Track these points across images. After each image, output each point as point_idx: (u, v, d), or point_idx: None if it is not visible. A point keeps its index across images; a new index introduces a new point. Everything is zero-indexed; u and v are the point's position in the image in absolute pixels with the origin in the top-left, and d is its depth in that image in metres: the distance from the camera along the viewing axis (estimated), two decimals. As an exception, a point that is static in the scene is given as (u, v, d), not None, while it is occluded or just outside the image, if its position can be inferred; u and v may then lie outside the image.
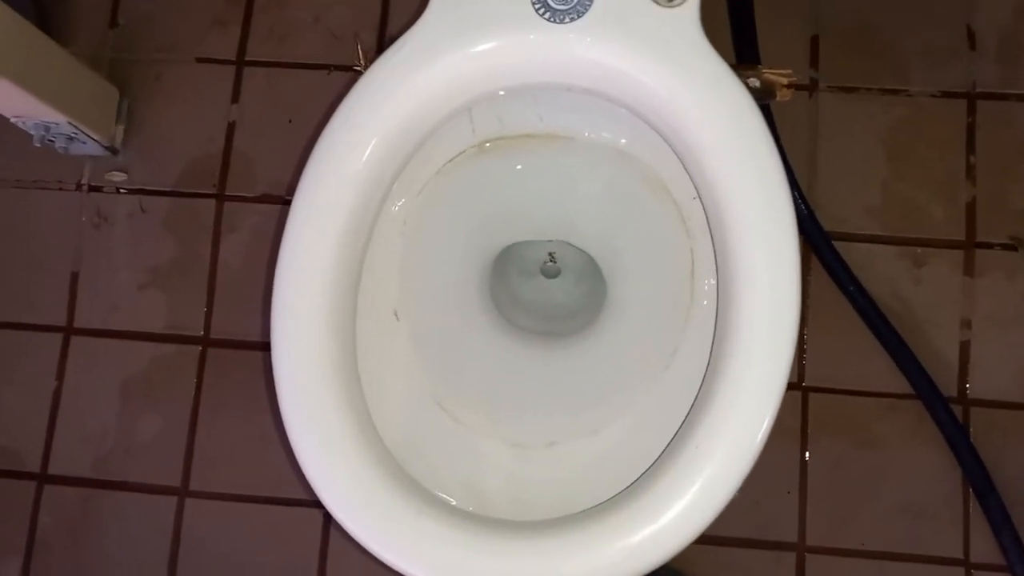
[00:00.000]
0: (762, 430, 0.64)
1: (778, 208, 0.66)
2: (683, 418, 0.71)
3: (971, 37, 1.08)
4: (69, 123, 1.06)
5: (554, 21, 0.69)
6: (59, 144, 1.11)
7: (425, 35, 0.70)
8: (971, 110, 1.07)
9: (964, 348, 1.03)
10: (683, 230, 0.78)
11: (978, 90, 1.07)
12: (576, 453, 0.75)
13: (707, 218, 0.70)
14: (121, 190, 1.14)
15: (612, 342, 0.80)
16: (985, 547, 0.99)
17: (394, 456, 0.70)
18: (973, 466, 0.99)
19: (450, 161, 0.81)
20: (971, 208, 1.05)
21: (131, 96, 1.16)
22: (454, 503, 0.72)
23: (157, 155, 1.15)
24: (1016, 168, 1.05)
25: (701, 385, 0.68)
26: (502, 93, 0.72)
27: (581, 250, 0.82)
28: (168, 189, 1.14)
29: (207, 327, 1.11)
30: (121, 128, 1.15)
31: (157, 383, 1.10)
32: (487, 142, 0.80)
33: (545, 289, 0.83)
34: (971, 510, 1.00)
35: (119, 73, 1.16)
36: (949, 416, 1.01)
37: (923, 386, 1.01)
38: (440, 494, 0.71)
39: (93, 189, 1.15)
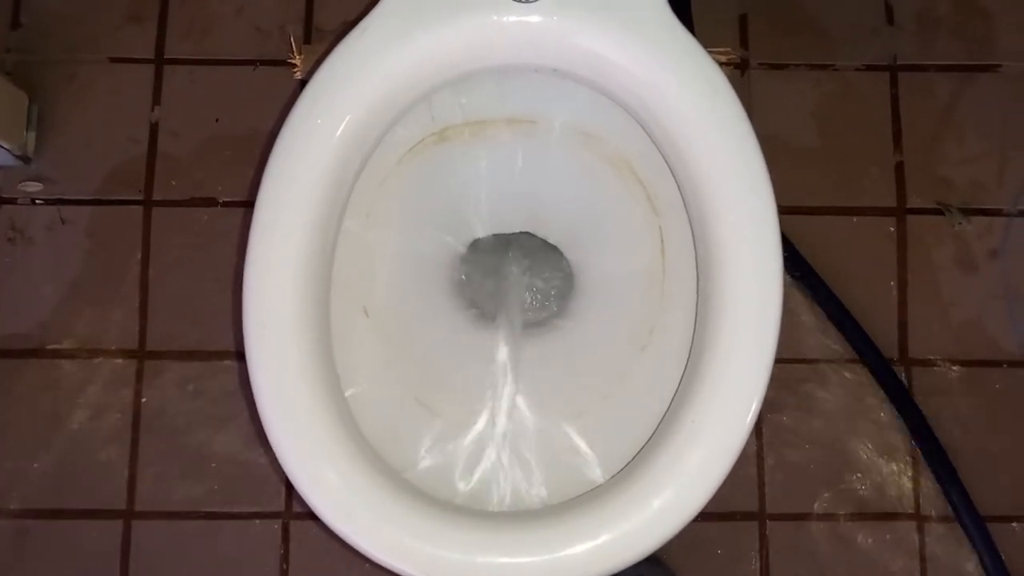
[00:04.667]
0: (755, 402, 0.65)
1: (758, 183, 0.66)
2: (667, 395, 0.71)
3: (889, 13, 1.12)
4: (-26, 132, 0.99)
5: (521, 0, 0.68)
6: (-36, 156, 1.03)
7: (388, 18, 0.67)
8: (893, 82, 1.11)
9: (902, 311, 1.07)
10: (650, 208, 0.78)
11: (899, 63, 1.11)
12: (562, 438, 0.74)
13: (682, 195, 0.70)
14: (37, 201, 1.08)
15: (588, 326, 0.79)
16: (934, 501, 1.03)
17: (380, 455, 0.68)
18: (918, 425, 1.03)
19: (410, 150, 0.78)
20: (900, 176, 1.09)
21: (42, 101, 1.08)
22: (446, 499, 0.70)
23: (75, 162, 1.08)
24: (939, 136, 1.09)
25: (688, 360, 0.69)
26: (468, 76, 0.71)
27: (546, 236, 0.81)
28: (89, 198, 1.07)
29: (142, 340, 1.06)
30: (32, 135, 1.07)
31: (91, 402, 1.04)
32: (447, 129, 0.78)
33: (511, 278, 0.82)
34: (919, 467, 1.04)
35: (26, 76, 1.09)
36: (892, 378, 1.04)
37: (865, 350, 1.05)
38: (430, 491, 0.69)
39: (5, 201, 1.08)
